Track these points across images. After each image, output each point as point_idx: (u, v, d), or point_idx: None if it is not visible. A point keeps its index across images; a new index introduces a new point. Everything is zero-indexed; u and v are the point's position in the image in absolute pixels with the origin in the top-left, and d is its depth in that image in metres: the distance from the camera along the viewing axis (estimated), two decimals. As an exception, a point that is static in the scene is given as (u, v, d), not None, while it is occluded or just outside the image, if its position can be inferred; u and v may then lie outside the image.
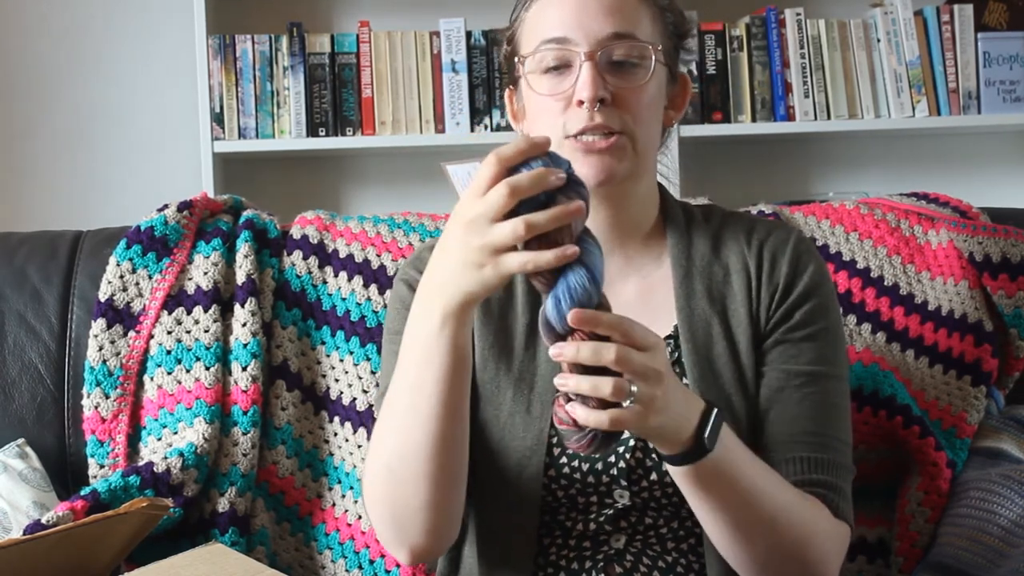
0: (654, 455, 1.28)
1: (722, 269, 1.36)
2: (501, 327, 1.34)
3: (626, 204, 1.36)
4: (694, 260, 1.37)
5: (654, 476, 1.28)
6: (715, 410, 1.16)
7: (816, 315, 1.34)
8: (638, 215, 1.38)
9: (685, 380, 1.31)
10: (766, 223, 1.41)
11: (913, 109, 2.80)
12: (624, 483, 1.28)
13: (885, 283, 1.68)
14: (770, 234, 1.38)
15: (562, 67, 1.29)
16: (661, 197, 1.42)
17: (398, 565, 1.55)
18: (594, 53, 1.28)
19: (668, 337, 1.34)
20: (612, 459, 1.28)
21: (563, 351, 1.07)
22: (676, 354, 1.33)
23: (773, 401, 1.31)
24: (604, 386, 1.05)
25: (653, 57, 1.30)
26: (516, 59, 1.35)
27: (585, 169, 1.27)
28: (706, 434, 1.14)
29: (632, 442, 1.28)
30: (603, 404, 1.06)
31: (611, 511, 1.29)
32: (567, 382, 1.07)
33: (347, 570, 1.57)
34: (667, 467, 1.20)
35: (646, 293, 1.36)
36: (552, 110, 1.30)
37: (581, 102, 1.28)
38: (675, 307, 1.35)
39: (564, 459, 1.28)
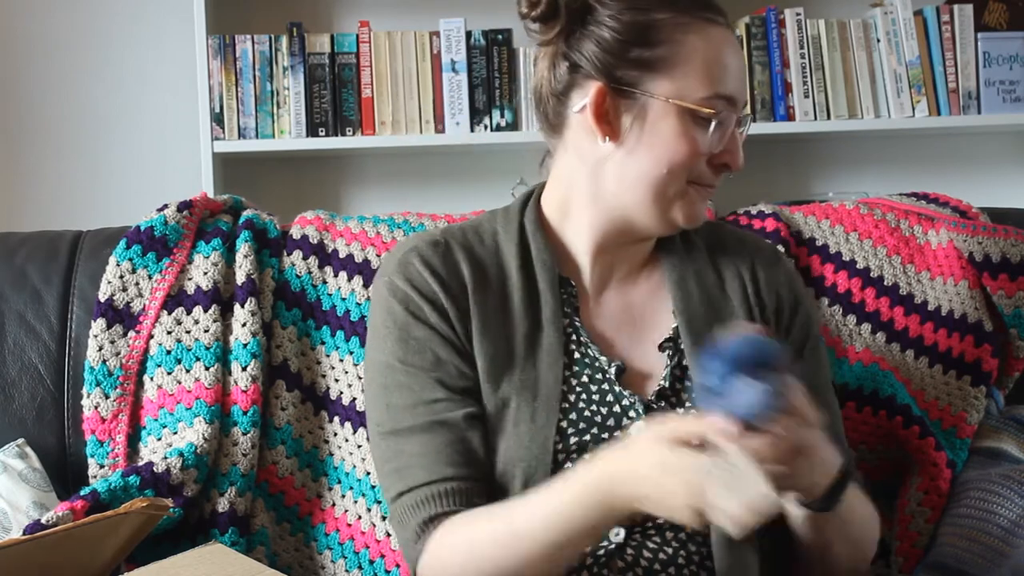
0: None
1: (715, 274, 1.40)
2: (501, 338, 1.33)
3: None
4: (688, 266, 1.40)
5: None
6: (850, 458, 1.24)
7: (809, 325, 1.43)
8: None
9: (687, 381, 1.33)
10: (749, 235, 1.49)
11: (913, 109, 2.80)
12: None
13: (885, 283, 1.68)
14: (758, 247, 1.45)
15: (730, 123, 1.29)
16: None
17: (398, 565, 1.55)
18: (743, 119, 1.30)
19: (667, 340, 1.36)
20: None
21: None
22: (676, 358, 1.34)
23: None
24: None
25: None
26: (654, 77, 1.27)
27: (695, 210, 1.31)
28: (845, 483, 1.21)
29: None
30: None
31: None
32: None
33: (347, 570, 1.57)
34: (792, 513, 1.23)
35: (641, 301, 1.39)
36: (689, 156, 1.28)
37: (726, 165, 1.30)
38: (674, 309, 1.37)
39: (569, 464, 1.28)
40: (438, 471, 1.27)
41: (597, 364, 1.33)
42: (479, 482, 1.28)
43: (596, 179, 1.33)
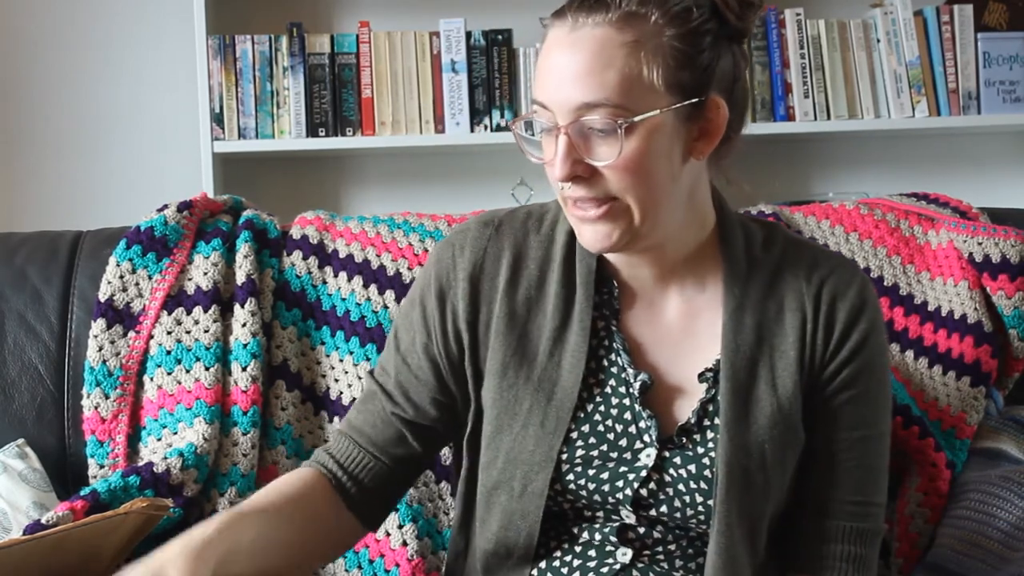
0: (668, 490, 1.23)
1: (776, 305, 1.28)
2: (525, 332, 1.28)
3: (649, 249, 1.26)
4: (748, 292, 1.27)
5: (664, 508, 1.24)
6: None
7: (864, 374, 1.27)
8: (672, 248, 1.28)
9: (717, 420, 1.24)
10: (830, 259, 1.32)
11: (913, 109, 2.80)
12: (630, 507, 1.24)
13: (885, 283, 1.68)
14: (832, 272, 1.29)
15: (552, 130, 1.19)
16: (719, 214, 1.32)
17: (397, 565, 1.55)
18: (567, 127, 1.16)
19: (708, 370, 1.26)
20: (620, 484, 1.23)
21: None
22: (712, 391, 1.26)
23: (815, 460, 1.27)
24: None
25: (626, 124, 1.16)
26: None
27: (583, 238, 1.23)
28: None
29: (644, 473, 1.23)
30: None
31: (617, 523, 1.26)
32: None
33: (347, 570, 1.58)
34: None
35: (689, 317, 1.29)
36: (545, 165, 1.22)
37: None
38: (721, 340, 1.26)
39: (571, 476, 1.24)
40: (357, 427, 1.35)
41: (624, 375, 1.27)
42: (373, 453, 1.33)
43: None
